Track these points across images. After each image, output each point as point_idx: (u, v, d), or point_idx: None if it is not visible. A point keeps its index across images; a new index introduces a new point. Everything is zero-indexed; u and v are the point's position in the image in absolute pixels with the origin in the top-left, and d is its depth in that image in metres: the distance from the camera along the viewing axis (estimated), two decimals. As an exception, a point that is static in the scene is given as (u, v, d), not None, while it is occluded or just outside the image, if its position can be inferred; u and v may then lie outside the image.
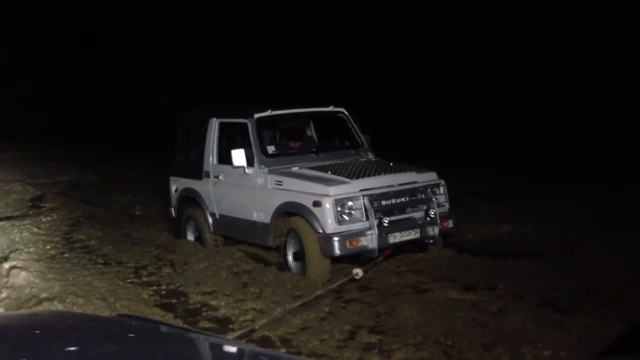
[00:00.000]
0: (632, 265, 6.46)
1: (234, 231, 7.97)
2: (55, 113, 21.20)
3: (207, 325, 5.75)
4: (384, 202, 6.82)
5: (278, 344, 5.25)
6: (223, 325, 5.78)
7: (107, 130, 20.41)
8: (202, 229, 8.27)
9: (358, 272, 6.40)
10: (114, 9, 24.34)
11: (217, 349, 2.14)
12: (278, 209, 7.06)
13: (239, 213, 7.67)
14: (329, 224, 6.52)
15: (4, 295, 6.08)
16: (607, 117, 14.35)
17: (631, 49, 15.13)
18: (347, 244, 6.52)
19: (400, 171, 7.22)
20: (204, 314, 6.13)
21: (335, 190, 6.61)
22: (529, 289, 6.05)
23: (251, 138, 7.40)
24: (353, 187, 6.72)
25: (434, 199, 7.06)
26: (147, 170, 13.35)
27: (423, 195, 7.10)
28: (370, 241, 6.58)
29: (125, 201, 11.50)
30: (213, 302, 6.37)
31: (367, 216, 6.63)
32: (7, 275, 6.41)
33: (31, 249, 7.46)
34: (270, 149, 7.87)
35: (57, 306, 5.59)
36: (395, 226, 6.78)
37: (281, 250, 7.14)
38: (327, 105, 8.22)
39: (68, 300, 5.79)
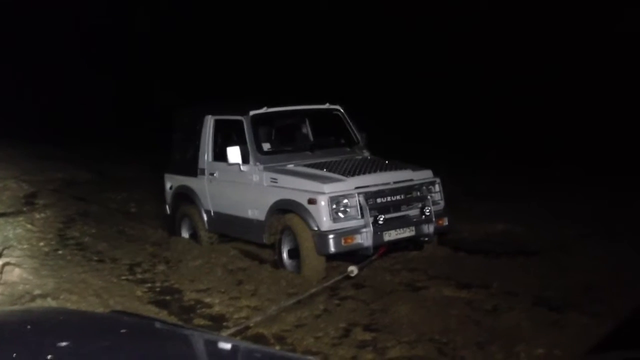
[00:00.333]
0: (628, 264, 6.46)
1: (228, 228, 7.96)
2: (54, 111, 21.16)
3: (202, 323, 5.74)
4: (379, 200, 6.81)
5: (272, 341, 5.24)
6: (217, 322, 5.77)
7: (106, 128, 20.39)
8: (197, 226, 8.26)
9: (353, 269, 6.39)
10: (114, 9, 24.30)
11: (210, 345, 2.12)
12: (273, 207, 7.05)
13: (234, 210, 7.65)
14: (324, 222, 6.51)
15: (-3, 291, 6.06)
16: (607, 117, 14.36)
17: (631, 49, 15.13)
18: (342, 241, 6.52)
19: (396, 169, 7.22)
20: (199, 311, 6.13)
21: (331, 188, 6.60)
22: (523, 287, 6.05)
23: (246, 135, 7.38)
24: (348, 184, 6.71)
25: (429, 197, 7.06)
26: (144, 168, 13.31)
27: (418, 193, 7.10)
28: (365, 239, 6.58)
29: (121, 198, 11.47)
30: (207, 300, 6.36)
31: (362, 214, 6.62)
32: (1, 272, 6.38)
33: (25, 246, 7.43)
34: (266, 146, 7.85)
35: (50, 303, 5.57)
36: (390, 224, 6.77)
37: (276, 247, 7.14)
38: (323, 103, 8.21)
39: (61, 297, 5.78)
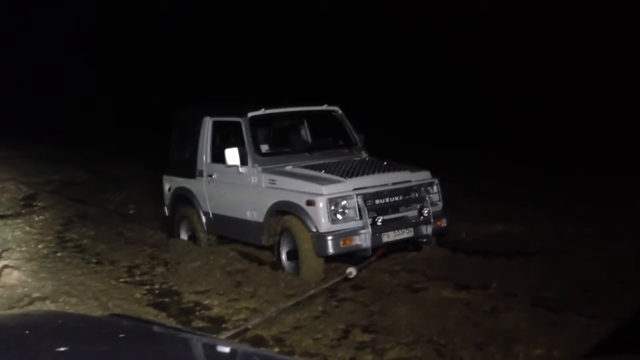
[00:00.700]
0: (627, 265, 6.47)
1: (227, 230, 7.95)
2: (53, 112, 21.16)
3: (200, 325, 5.74)
4: (377, 201, 6.81)
5: (271, 343, 5.24)
6: (216, 324, 5.77)
7: (105, 129, 20.38)
8: (196, 228, 8.25)
9: (351, 271, 6.40)
10: (114, 9, 24.30)
11: (209, 349, 2.13)
12: (271, 208, 7.05)
13: (233, 212, 7.65)
14: (323, 223, 6.51)
15: (-5, 294, 6.06)
16: (607, 118, 14.37)
17: (631, 49, 15.14)
18: (341, 243, 6.51)
19: (394, 170, 7.22)
20: (197, 313, 6.13)
21: (329, 189, 6.60)
22: (522, 288, 6.04)
23: (245, 137, 7.38)
24: (346, 186, 6.71)
25: (427, 198, 7.06)
26: (142, 168, 13.30)
27: (417, 194, 7.10)
28: (363, 240, 6.58)
29: (119, 200, 11.46)
30: (206, 302, 6.36)
31: (360, 215, 6.62)
32: (-1, 275, 6.38)
33: (23, 248, 7.43)
34: (264, 147, 7.86)
35: (49, 306, 5.57)
36: (388, 225, 6.77)
37: (275, 249, 7.13)
38: (321, 104, 8.21)
39: (60, 300, 5.78)
